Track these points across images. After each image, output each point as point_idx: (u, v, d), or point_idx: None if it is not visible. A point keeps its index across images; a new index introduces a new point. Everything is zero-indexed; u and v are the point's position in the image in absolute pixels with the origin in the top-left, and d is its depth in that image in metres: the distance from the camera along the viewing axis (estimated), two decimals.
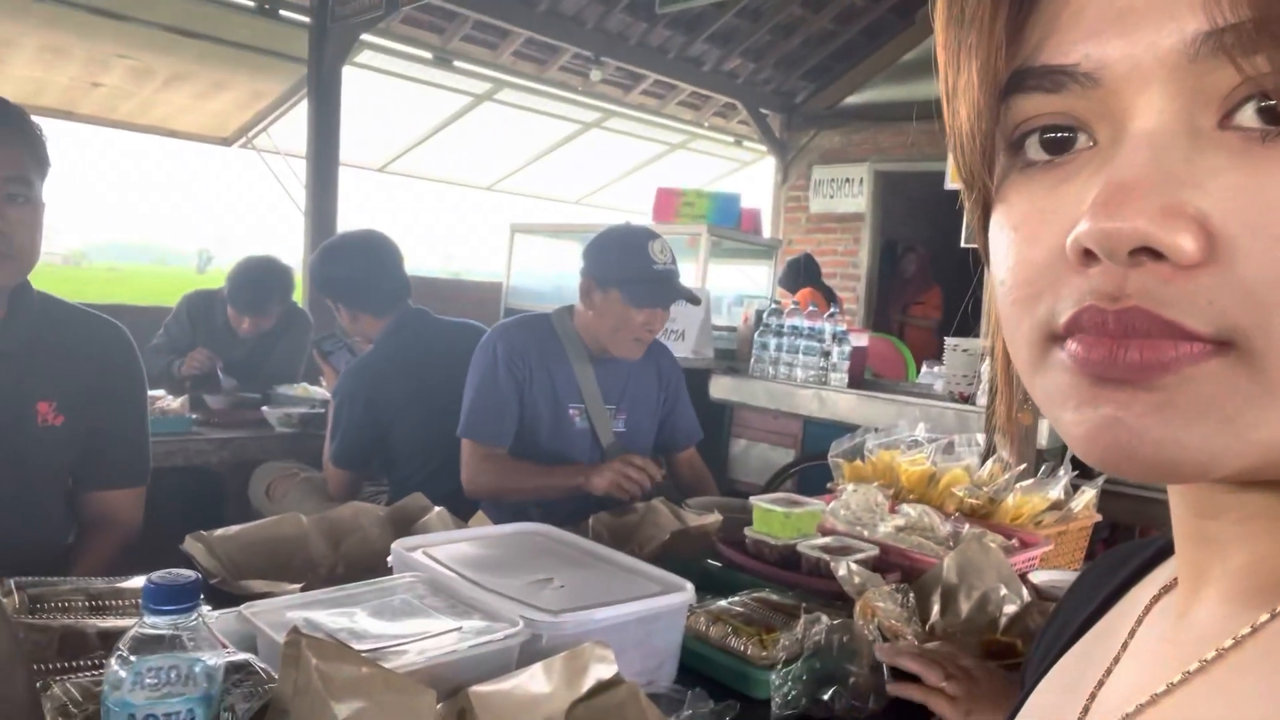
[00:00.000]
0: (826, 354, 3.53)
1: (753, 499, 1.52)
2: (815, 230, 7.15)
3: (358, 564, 1.38)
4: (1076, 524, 1.72)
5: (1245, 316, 0.28)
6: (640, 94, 6.73)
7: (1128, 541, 0.56)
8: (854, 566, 1.21)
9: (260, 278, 3.22)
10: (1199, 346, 0.29)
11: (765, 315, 3.80)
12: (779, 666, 1.08)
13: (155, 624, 0.64)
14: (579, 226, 5.50)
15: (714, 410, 3.77)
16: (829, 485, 1.86)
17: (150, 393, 2.59)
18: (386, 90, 5.81)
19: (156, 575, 0.65)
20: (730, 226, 4.72)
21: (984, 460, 1.82)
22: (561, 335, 2.08)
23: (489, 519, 1.56)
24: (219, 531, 1.32)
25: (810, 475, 3.27)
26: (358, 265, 2.44)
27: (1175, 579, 0.41)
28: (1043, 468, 1.81)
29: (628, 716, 0.89)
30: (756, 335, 3.78)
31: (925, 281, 6.74)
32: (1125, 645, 0.42)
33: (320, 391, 3.01)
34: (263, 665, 0.79)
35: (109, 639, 0.87)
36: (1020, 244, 0.34)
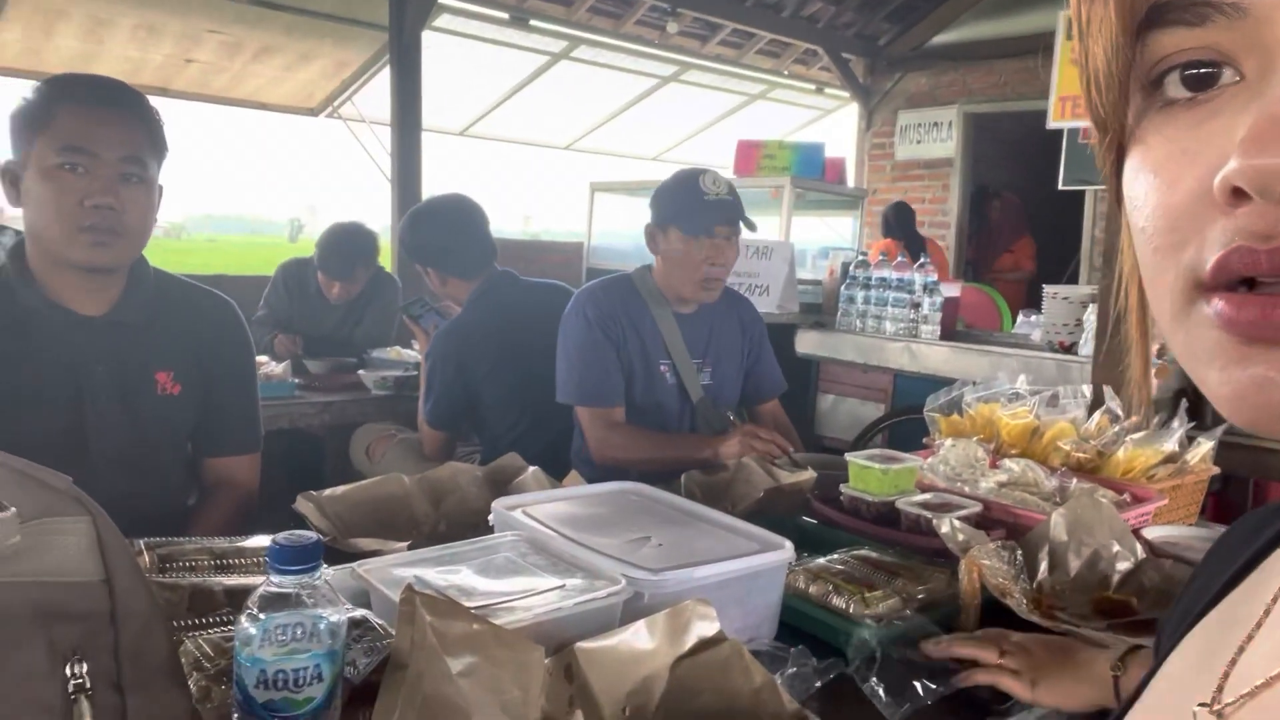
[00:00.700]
0: (917, 305, 3.44)
1: (848, 455, 1.49)
2: (901, 178, 6.94)
3: (458, 522, 1.42)
4: (1192, 477, 1.64)
5: None
6: (718, 44, 6.59)
7: (1263, 505, 0.53)
8: (957, 523, 1.18)
9: (344, 242, 3.29)
10: None
11: (852, 267, 3.72)
12: (879, 624, 1.07)
13: (281, 583, 0.67)
14: (658, 183, 5.45)
15: (800, 365, 3.72)
16: (924, 440, 1.82)
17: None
18: (465, 53, 5.84)
19: (281, 537, 0.67)
20: (814, 177, 4.61)
21: (1090, 412, 1.75)
22: (644, 293, 2.08)
23: (582, 478, 1.58)
24: (328, 492, 1.36)
25: (901, 430, 3.21)
26: (446, 230, 2.48)
27: None
28: (1155, 419, 1.73)
29: (732, 673, 0.89)
30: (843, 288, 3.70)
31: (1015, 230, 6.45)
32: (1268, 612, 0.39)
33: (412, 354, 3.09)
34: (379, 621, 0.82)
35: (234, 596, 0.91)
36: (1161, 187, 0.32)
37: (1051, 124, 3.24)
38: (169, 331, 1.51)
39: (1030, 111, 6.02)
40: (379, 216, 4.66)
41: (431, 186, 4.77)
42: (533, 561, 1.03)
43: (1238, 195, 0.28)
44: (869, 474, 1.43)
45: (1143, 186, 0.33)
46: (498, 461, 1.58)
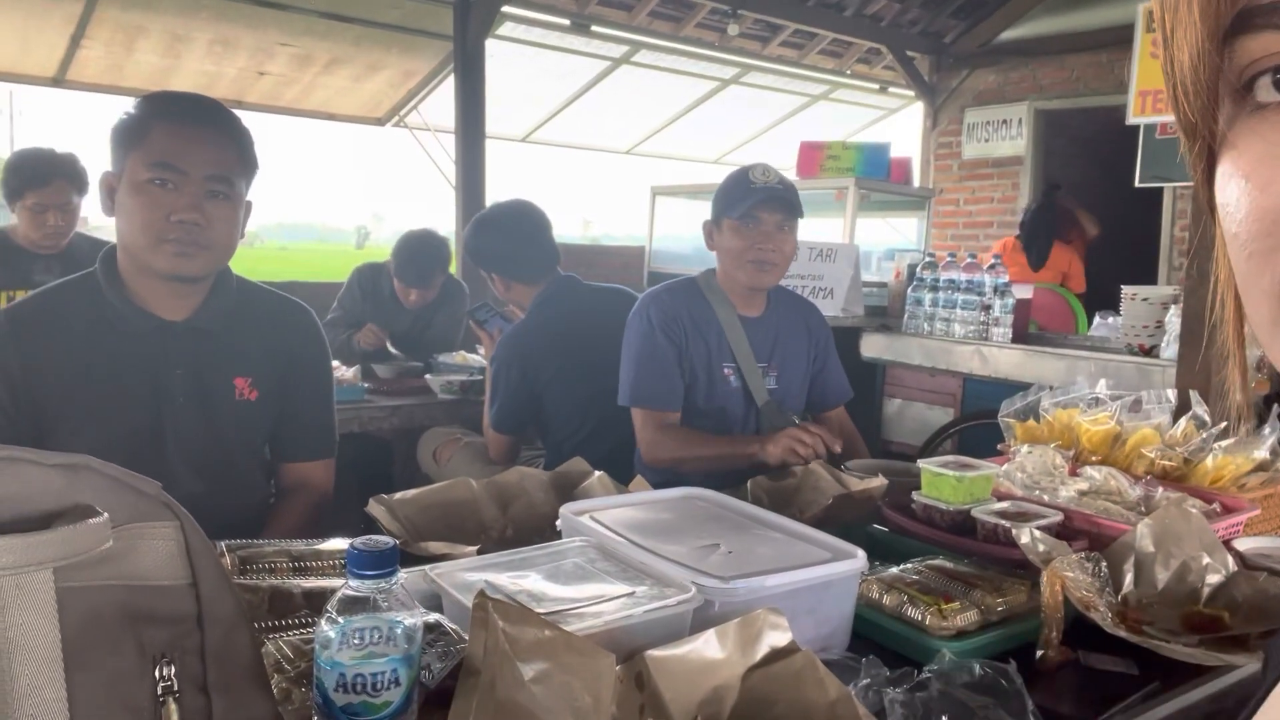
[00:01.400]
0: (987, 308, 3.36)
1: (921, 462, 1.46)
2: (969, 177, 6.78)
3: (525, 526, 1.43)
4: None
5: None
6: (779, 45, 6.54)
7: None
8: (1038, 533, 1.14)
9: (422, 251, 3.36)
10: None
11: (919, 269, 3.65)
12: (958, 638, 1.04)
13: (359, 588, 0.68)
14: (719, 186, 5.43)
15: (865, 369, 3.67)
16: (999, 447, 1.77)
17: None
18: (527, 60, 5.90)
19: (359, 541, 0.68)
20: (880, 178, 4.54)
21: (1176, 418, 1.68)
22: (709, 295, 2.07)
23: (648, 483, 1.57)
24: (398, 495, 1.38)
25: (971, 436, 3.14)
26: (510, 235, 2.50)
27: None
28: (1243, 427, 1.66)
29: (806, 685, 0.87)
30: (910, 290, 3.63)
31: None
32: None
33: (478, 359, 3.12)
34: (452, 626, 0.82)
35: (313, 598, 0.92)
36: (1253, 191, 0.31)
37: (1131, 119, 3.13)
38: (249, 338, 1.55)
39: (1104, 107, 5.84)
40: (443, 223, 4.72)
41: (494, 193, 4.84)
42: (601, 568, 1.02)
43: None
44: (943, 481, 1.39)
45: (1235, 192, 0.32)
46: (564, 466, 1.58)
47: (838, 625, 1.07)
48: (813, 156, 4.72)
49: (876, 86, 7.49)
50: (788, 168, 5.00)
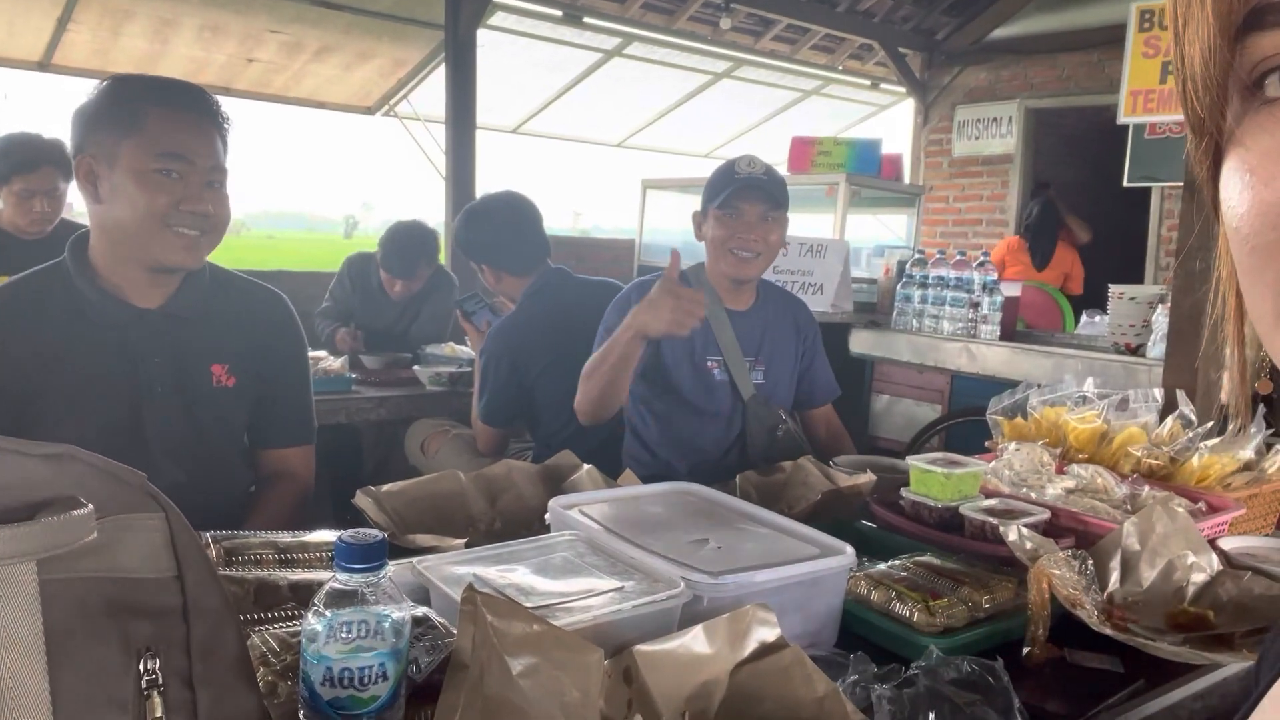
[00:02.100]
0: (975, 305, 3.37)
1: (909, 459, 1.46)
2: (959, 175, 6.80)
3: (514, 520, 1.42)
4: (1270, 486, 1.57)
5: None
6: (771, 40, 6.53)
7: None
8: (1025, 531, 1.15)
9: (408, 242, 3.34)
10: None
11: (908, 266, 3.66)
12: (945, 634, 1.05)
13: (346, 581, 0.67)
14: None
15: (854, 365, 3.67)
16: (986, 444, 1.77)
17: (312, 353, 2.75)
18: (518, 51, 5.87)
19: (348, 534, 0.68)
20: (870, 174, 4.54)
21: (1162, 417, 1.69)
22: (696, 287, 2.06)
23: (636, 477, 1.57)
24: (386, 487, 1.37)
25: (959, 432, 3.15)
26: (500, 227, 2.49)
27: None
28: (1230, 425, 1.67)
29: (794, 681, 0.87)
30: (899, 287, 3.64)
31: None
32: None
33: (466, 351, 3.11)
34: (440, 620, 0.82)
35: (299, 591, 0.92)
36: (1258, 185, 0.31)
37: (1122, 119, 3.14)
38: (224, 325, 1.53)
39: (1094, 106, 5.87)
40: (433, 213, 4.72)
41: (485, 184, 4.81)
42: (590, 562, 1.02)
43: None
44: (931, 478, 1.40)
45: (1239, 186, 0.32)
46: (552, 459, 1.57)
47: (826, 621, 1.07)
48: (804, 152, 4.72)
49: (868, 83, 7.49)
50: (779, 163, 5.00)
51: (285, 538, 1.04)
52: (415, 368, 2.96)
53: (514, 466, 1.52)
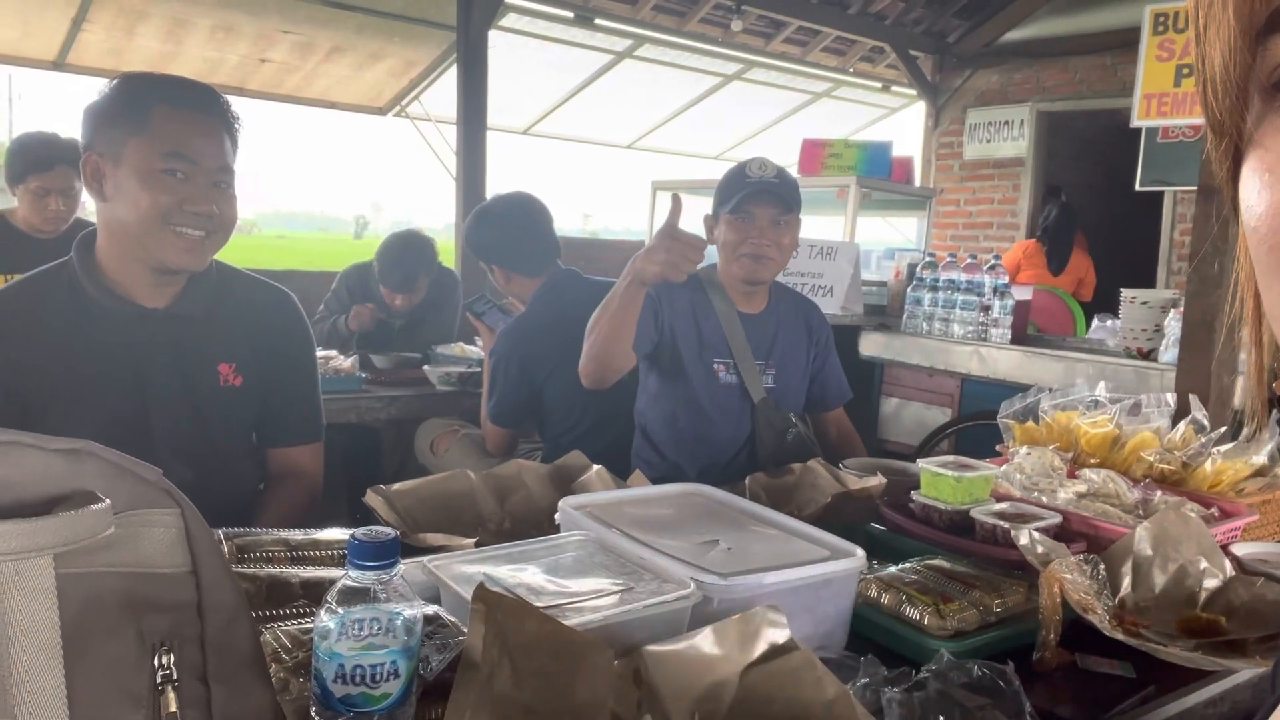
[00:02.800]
0: (986, 308, 3.36)
1: (920, 462, 1.46)
2: (970, 178, 6.78)
3: (523, 520, 1.42)
4: None
5: None
6: (782, 42, 6.53)
7: None
8: (1037, 535, 1.14)
9: (404, 254, 3.30)
10: None
11: (919, 269, 3.65)
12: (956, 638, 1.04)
13: (359, 578, 0.67)
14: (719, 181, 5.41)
15: (863, 368, 3.67)
16: (998, 448, 1.77)
17: (323, 353, 2.76)
18: (530, 52, 5.88)
19: (360, 532, 0.68)
20: (881, 177, 4.53)
21: (1175, 422, 1.68)
22: (709, 290, 2.06)
23: (646, 478, 1.57)
24: (396, 486, 1.38)
25: (969, 436, 3.14)
26: (510, 228, 2.50)
27: None
28: (1244, 430, 1.66)
29: (804, 683, 0.87)
30: (909, 290, 3.63)
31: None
32: None
33: (476, 351, 3.11)
34: (451, 618, 0.82)
35: (310, 588, 0.92)
36: (1276, 186, 0.32)
37: (1135, 122, 3.13)
38: (230, 324, 1.53)
39: (1107, 109, 5.84)
40: (443, 214, 4.74)
41: (495, 185, 4.82)
42: (600, 562, 1.02)
43: None
44: (942, 481, 1.39)
45: (1257, 186, 0.33)
46: (562, 460, 1.58)
47: (836, 624, 1.07)
48: (814, 154, 4.71)
49: (879, 85, 7.48)
50: (790, 165, 5.00)
51: (297, 535, 1.04)
52: (425, 368, 2.97)
53: (524, 466, 1.52)
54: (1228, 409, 1.87)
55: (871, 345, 3.68)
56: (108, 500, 0.55)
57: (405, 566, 1.00)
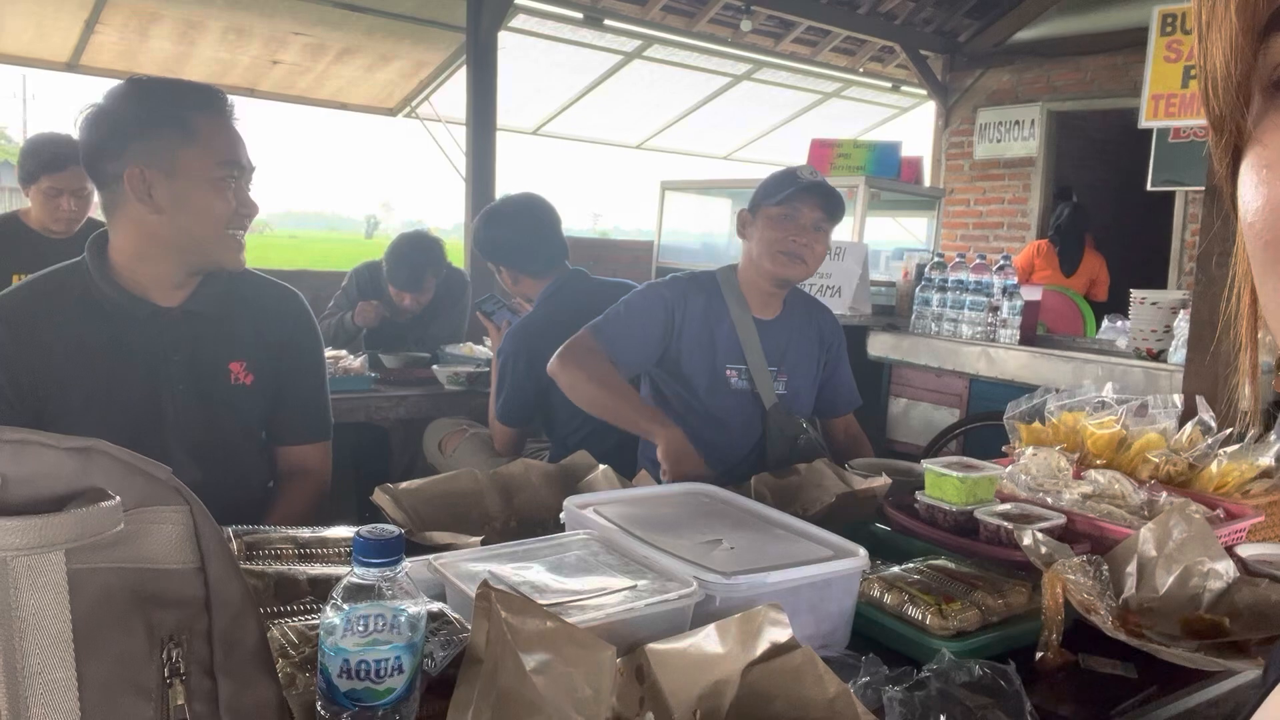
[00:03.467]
0: (995, 309, 3.36)
1: (925, 462, 1.46)
2: (980, 178, 6.76)
3: (529, 519, 1.43)
4: None
5: None
6: (791, 42, 6.52)
7: None
8: (1040, 536, 1.15)
9: (412, 255, 3.32)
10: None
11: (927, 269, 3.65)
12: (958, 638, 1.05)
13: (364, 575, 0.68)
14: (730, 182, 5.42)
15: (871, 368, 3.67)
16: (1004, 448, 1.77)
17: (332, 353, 2.78)
18: (539, 53, 5.90)
19: (366, 530, 0.69)
20: (890, 177, 4.53)
21: (1181, 424, 1.68)
22: (726, 293, 2.04)
23: (652, 478, 1.58)
24: (403, 485, 1.39)
25: (976, 437, 3.14)
26: (519, 228, 2.51)
27: None
28: (1250, 432, 1.65)
29: (805, 681, 0.88)
30: (918, 290, 3.63)
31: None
32: None
33: (484, 350, 3.13)
34: (455, 615, 0.83)
35: (317, 585, 0.93)
36: (1273, 181, 0.32)
37: (1144, 123, 3.12)
38: (242, 322, 1.56)
39: (1117, 109, 5.81)
40: (453, 214, 4.79)
41: (504, 185, 4.84)
42: (604, 561, 1.03)
43: None
44: (946, 482, 1.40)
45: (1254, 181, 0.33)
46: (568, 459, 1.59)
47: (838, 623, 1.07)
48: (823, 154, 4.71)
49: (889, 85, 7.47)
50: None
51: (305, 533, 1.05)
52: (434, 367, 2.98)
53: (530, 466, 1.54)
54: (1235, 410, 1.87)
55: (880, 345, 3.68)
56: (118, 497, 0.56)
57: (411, 564, 1.01)
